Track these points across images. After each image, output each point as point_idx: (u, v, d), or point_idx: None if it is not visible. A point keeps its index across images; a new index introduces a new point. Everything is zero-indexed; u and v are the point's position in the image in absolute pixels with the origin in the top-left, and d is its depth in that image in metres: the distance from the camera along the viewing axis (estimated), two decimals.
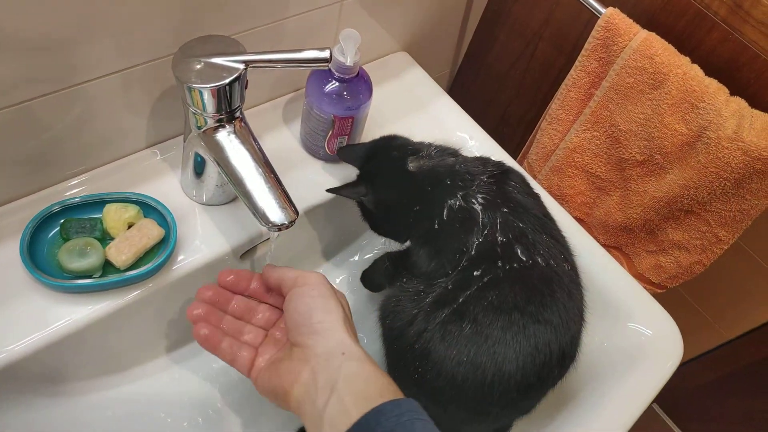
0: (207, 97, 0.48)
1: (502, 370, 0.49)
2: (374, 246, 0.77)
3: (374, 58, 0.80)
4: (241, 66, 0.48)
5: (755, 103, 0.64)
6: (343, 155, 0.65)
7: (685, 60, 0.64)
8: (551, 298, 0.51)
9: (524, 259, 0.52)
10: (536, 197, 0.58)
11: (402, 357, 0.54)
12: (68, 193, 0.58)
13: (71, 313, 0.52)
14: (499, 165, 0.59)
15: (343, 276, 0.74)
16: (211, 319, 0.50)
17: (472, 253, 0.52)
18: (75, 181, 0.59)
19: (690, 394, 1.66)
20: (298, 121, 0.69)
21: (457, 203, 0.55)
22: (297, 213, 0.51)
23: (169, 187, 0.61)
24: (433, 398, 0.55)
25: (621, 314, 0.66)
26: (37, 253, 0.53)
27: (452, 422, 0.57)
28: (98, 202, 0.56)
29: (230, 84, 0.48)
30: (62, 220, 0.55)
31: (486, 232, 0.53)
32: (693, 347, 1.52)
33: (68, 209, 0.55)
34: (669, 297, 1.14)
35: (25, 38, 0.44)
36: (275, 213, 0.50)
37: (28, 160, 0.54)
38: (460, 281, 0.52)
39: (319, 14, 0.64)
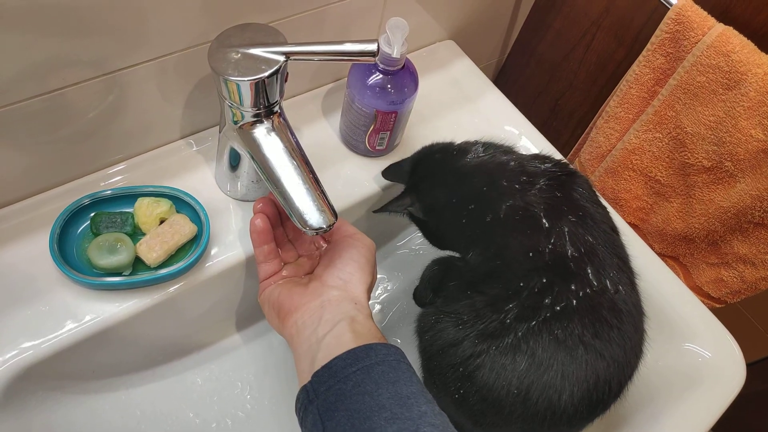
0: (244, 90, 0.45)
1: (555, 406, 0.45)
2: (412, 247, 0.74)
3: (419, 47, 0.75)
4: (282, 58, 0.45)
5: None
6: (388, 175, 0.61)
7: (766, 59, 0.58)
8: (618, 332, 0.46)
9: (595, 283, 0.47)
10: (604, 208, 0.53)
11: (442, 374, 0.51)
12: (100, 185, 0.56)
13: (100, 311, 0.50)
14: (563, 166, 0.54)
15: (377, 277, 0.71)
16: (268, 218, 0.51)
17: (541, 270, 0.47)
18: (106, 172, 0.57)
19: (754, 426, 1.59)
20: (338, 113, 0.65)
21: (519, 205, 0.50)
22: (336, 216, 0.48)
23: (202, 180, 0.59)
24: (472, 418, 0.51)
25: (677, 332, 0.61)
26: (67, 248, 0.51)
27: None
28: (130, 196, 0.54)
29: (269, 77, 0.45)
30: (92, 214, 0.53)
31: (553, 242, 0.48)
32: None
33: (99, 202, 0.53)
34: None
35: (60, 21, 0.42)
36: (313, 216, 0.47)
37: (60, 150, 0.52)
38: (523, 307, 0.47)
39: (363, 0, 0.60)
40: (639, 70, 0.66)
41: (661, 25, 0.63)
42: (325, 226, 0.47)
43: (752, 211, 0.61)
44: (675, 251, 0.72)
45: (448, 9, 0.72)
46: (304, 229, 0.47)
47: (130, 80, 0.50)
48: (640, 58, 0.66)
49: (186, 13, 0.48)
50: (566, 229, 0.48)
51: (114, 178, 0.57)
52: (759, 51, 0.59)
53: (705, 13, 0.61)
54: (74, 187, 0.55)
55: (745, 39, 0.59)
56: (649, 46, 0.64)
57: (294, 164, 0.48)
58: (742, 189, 0.61)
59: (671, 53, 0.63)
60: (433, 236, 0.59)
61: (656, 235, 0.73)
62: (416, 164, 0.58)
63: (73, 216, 0.52)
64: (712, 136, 0.61)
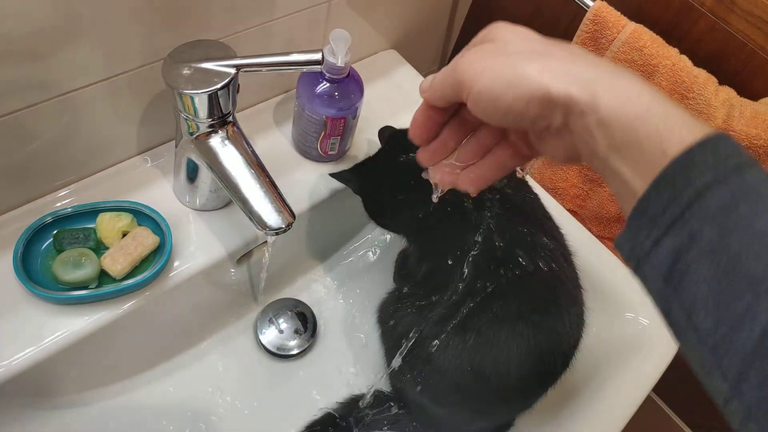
0: (199, 102, 0.48)
1: (506, 379, 0.49)
2: (370, 246, 0.77)
3: (363, 57, 0.80)
4: (233, 70, 0.48)
5: (743, 91, 0.64)
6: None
7: (674, 51, 0.65)
8: (555, 306, 0.51)
9: (525, 263, 0.51)
10: (535, 195, 0.58)
11: (403, 359, 0.54)
12: (60, 204, 0.57)
13: (68, 325, 0.52)
14: None
15: (339, 277, 0.74)
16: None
17: (469, 259, 0.51)
18: (66, 191, 0.58)
19: (694, 386, 1.67)
20: (290, 122, 0.68)
21: (448, 199, 0.54)
22: (294, 216, 0.51)
23: (162, 193, 0.61)
24: (434, 399, 0.55)
25: (618, 305, 0.67)
26: (31, 266, 0.52)
27: (453, 420, 0.57)
28: (91, 212, 0.56)
29: (222, 89, 0.47)
30: (55, 231, 0.54)
31: (482, 235, 0.52)
32: None
33: (61, 220, 0.55)
34: None
35: (10, 47, 0.44)
36: (272, 217, 0.50)
37: (17, 171, 0.53)
38: (461, 293, 0.51)
39: (307, 14, 0.64)
40: None
41: (581, 26, 0.69)
42: (284, 225, 0.50)
43: None
44: (611, 233, 0.78)
45: (388, 20, 0.77)
46: (263, 231, 0.50)
47: (83, 101, 0.52)
48: None
49: (138, 33, 0.50)
50: (493, 221, 0.52)
51: (73, 197, 0.58)
52: (667, 45, 0.65)
53: (618, 13, 0.67)
54: (34, 207, 0.56)
55: (654, 35, 0.66)
56: (573, 42, 0.70)
57: (250, 170, 0.51)
58: None
59: (592, 50, 0.69)
60: (374, 215, 0.64)
61: (593, 219, 0.79)
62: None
63: (35, 235, 0.53)
64: None
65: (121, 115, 0.57)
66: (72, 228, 0.55)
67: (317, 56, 0.47)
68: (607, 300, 0.66)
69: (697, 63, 0.65)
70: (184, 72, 0.47)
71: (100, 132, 0.56)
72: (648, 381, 0.62)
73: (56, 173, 0.57)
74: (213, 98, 0.48)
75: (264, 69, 0.48)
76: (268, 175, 0.52)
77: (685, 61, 0.64)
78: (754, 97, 0.64)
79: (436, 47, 0.94)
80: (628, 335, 0.65)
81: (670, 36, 0.67)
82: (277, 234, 0.50)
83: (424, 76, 0.82)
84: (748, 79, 0.66)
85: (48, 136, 0.52)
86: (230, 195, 0.51)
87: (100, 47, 0.49)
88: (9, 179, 0.53)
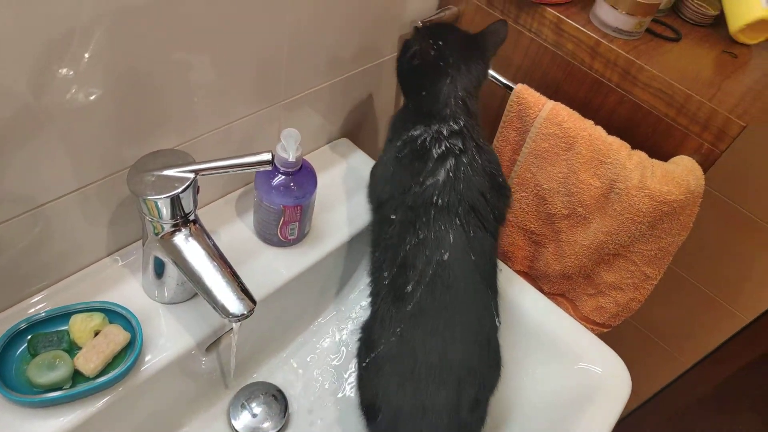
0: (162, 206, 0.53)
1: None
2: (332, 326, 0.81)
3: (319, 146, 0.86)
4: (191, 175, 0.53)
5: (653, 153, 0.72)
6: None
7: (589, 123, 0.73)
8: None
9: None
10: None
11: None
12: (33, 309, 0.60)
13: (44, 427, 0.53)
14: None
15: (306, 356, 0.77)
16: None
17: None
18: (40, 296, 0.61)
19: (663, 428, 1.70)
20: (251, 212, 0.73)
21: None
22: (254, 302, 0.55)
23: (131, 290, 0.64)
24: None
25: (570, 356, 0.71)
26: (6, 372, 0.55)
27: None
28: (64, 315, 0.59)
29: (183, 192, 0.53)
30: (29, 336, 0.57)
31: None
32: (658, 379, 1.57)
33: (34, 325, 0.58)
34: (630, 335, 1.20)
35: None
36: (234, 305, 0.54)
37: (9, 278, 0.57)
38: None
39: (261, 116, 0.71)
40: (498, 143, 0.80)
41: (507, 107, 0.77)
42: (246, 312, 0.54)
43: (607, 245, 0.74)
44: (560, 289, 0.84)
45: (338, 113, 0.85)
46: (227, 318, 0.54)
47: (55, 211, 0.56)
48: (498, 134, 0.79)
49: (106, 145, 0.56)
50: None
51: (46, 302, 0.61)
52: (583, 118, 0.74)
53: (538, 94, 0.76)
54: (9, 314, 0.59)
55: (571, 110, 0.74)
56: (501, 124, 0.78)
57: (212, 263, 0.55)
58: (595, 228, 0.74)
59: (519, 127, 0.77)
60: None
61: (542, 277, 0.84)
62: None
63: (10, 341, 0.56)
64: (563, 189, 0.75)
65: (90, 221, 0.61)
66: (46, 332, 0.57)
67: (267, 157, 0.53)
68: (559, 353, 0.71)
69: (611, 132, 0.73)
70: (147, 179, 0.52)
71: (70, 238, 0.61)
72: (607, 424, 0.65)
73: (28, 281, 0.60)
74: (175, 201, 0.53)
75: (219, 172, 0.54)
76: (229, 266, 0.56)
77: (600, 131, 0.72)
78: (664, 158, 0.72)
79: (385, 132, 1.02)
80: (583, 385, 0.69)
81: (585, 109, 0.76)
82: (239, 321, 0.54)
83: (375, 159, 0.89)
84: (656, 143, 0.74)
85: (20, 246, 0.56)
86: (195, 287, 0.55)
87: (68, 161, 0.54)
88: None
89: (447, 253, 0.61)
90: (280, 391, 0.72)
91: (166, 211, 0.53)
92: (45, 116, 0.49)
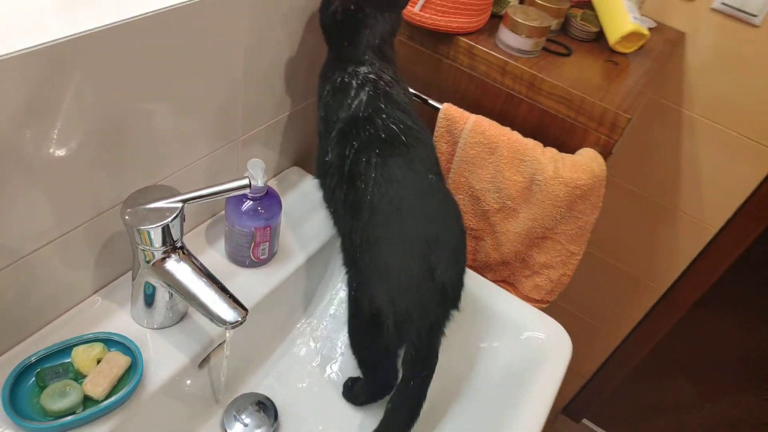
0: (154, 235, 0.60)
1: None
2: (306, 335, 0.88)
3: (273, 175, 0.95)
4: (179, 204, 0.61)
5: (562, 148, 0.86)
6: None
7: (507, 129, 0.86)
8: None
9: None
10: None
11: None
12: (34, 347, 0.64)
13: None
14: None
15: (288, 365, 0.84)
16: None
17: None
18: (36, 336, 0.66)
19: (610, 401, 1.86)
20: (221, 240, 0.81)
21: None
22: (246, 310, 0.62)
23: (121, 320, 0.70)
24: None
25: (516, 328, 0.82)
26: (18, 405, 0.59)
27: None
28: (65, 349, 0.64)
29: (173, 220, 0.60)
30: (37, 371, 0.61)
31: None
32: (598, 356, 1.73)
33: (39, 360, 0.62)
34: (567, 321, 1.35)
35: None
36: (229, 314, 0.61)
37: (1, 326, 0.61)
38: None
39: (222, 152, 0.79)
40: None
41: (437, 123, 0.89)
42: (240, 319, 0.61)
43: (535, 229, 0.87)
44: (502, 275, 0.96)
45: (288, 145, 0.94)
46: (223, 326, 0.61)
47: (39, 259, 0.61)
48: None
49: (83, 191, 0.62)
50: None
51: (45, 341, 0.65)
52: (501, 126, 0.87)
53: (461, 110, 0.88)
54: (10, 356, 0.63)
55: (491, 120, 0.87)
56: (434, 137, 0.90)
57: (203, 280, 0.63)
58: (524, 216, 0.87)
59: (449, 140, 0.89)
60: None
61: (485, 268, 0.96)
62: None
63: (17, 378, 0.60)
64: (493, 187, 0.87)
65: (74, 264, 0.66)
66: (51, 365, 0.62)
67: (245, 182, 0.61)
68: (507, 328, 0.82)
69: (526, 134, 0.87)
70: (140, 212, 0.59)
71: (57, 282, 0.65)
72: (555, 381, 0.76)
73: (23, 324, 0.65)
74: (166, 229, 0.60)
75: (204, 199, 0.62)
76: (218, 282, 0.63)
77: (517, 135, 0.85)
78: (571, 151, 0.86)
79: None
80: (530, 351, 0.80)
81: (502, 119, 0.89)
82: (234, 327, 0.61)
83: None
84: (563, 140, 0.88)
85: (9, 295, 0.61)
86: (191, 304, 0.62)
87: (51, 210, 0.59)
88: None
89: (385, 153, 0.69)
90: (268, 398, 0.78)
91: (157, 239, 0.60)
92: (25, 168, 0.55)
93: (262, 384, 0.81)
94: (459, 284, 0.68)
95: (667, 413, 1.94)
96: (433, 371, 0.67)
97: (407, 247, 0.65)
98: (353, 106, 0.71)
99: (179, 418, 0.71)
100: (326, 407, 0.80)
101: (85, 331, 0.67)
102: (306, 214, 0.90)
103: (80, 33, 0.51)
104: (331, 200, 0.76)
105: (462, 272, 0.69)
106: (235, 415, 0.76)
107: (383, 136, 0.69)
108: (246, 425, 0.76)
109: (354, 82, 0.72)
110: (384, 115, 0.70)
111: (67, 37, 0.50)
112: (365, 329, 0.73)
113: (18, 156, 0.53)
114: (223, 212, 0.85)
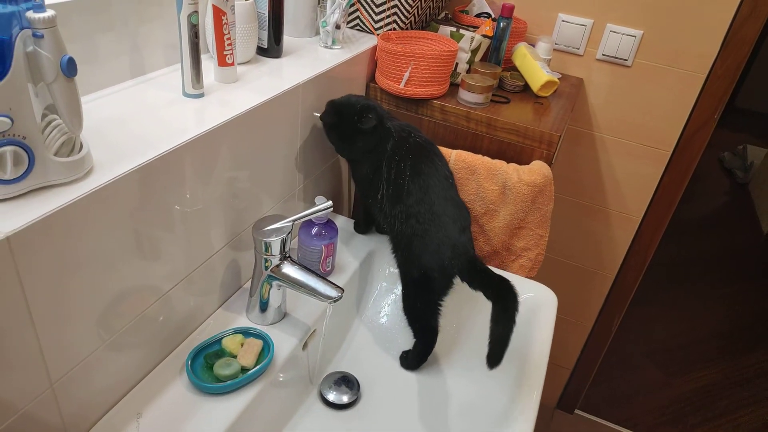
0: (276, 246, 0.89)
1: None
2: (367, 322, 1.16)
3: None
4: (290, 224, 0.90)
5: (520, 163, 1.22)
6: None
7: (479, 156, 1.22)
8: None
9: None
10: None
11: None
12: (188, 349, 0.90)
13: (227, 407, 0.83)
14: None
15: (362, 343, 1.11)
16: None
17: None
18: (190, 338, 0.92)
19: (595, 389, 2.15)
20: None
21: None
22: (342, 289, 0.91)
23: (242, 322, 0.96)
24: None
25: None
26: (196, 377, 0.84)
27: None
28: (216, 341, 0.90)
29: (287, 235, 0.90)
30: (204, 355, 0.87)
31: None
32: (574, 348, 2.05)
33: (201, 350, 0.88)
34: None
35: (115, 288, 0.82)
36: (332, 292, 0.90)
37: (155, 341, 0.87)
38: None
39: (289, 197, 1.10)
40: None
41: None
42: (339, 295, 0.90)
43: (512, 222, 1.21)
44: (494, 264, 1.28)
45: (325, 191, 1.25)
46: (328, 301, 0.89)
47: (177, 291, 0.89)
48: None
49: (205, 237, 0.91)
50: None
51: (199, 338, 0.91)
52: (476, 154, 1.22)
53: (446, 148, 1.24)
54: (177, 352, 0.89)
55: (468, 152, 1.22)
56: None
57: (309, 274, 0.92)
58: (503, 214, 1.21)
59: None
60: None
61: (482, 258, 1.28)
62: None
63: (192, 362, 0.86)
64: (478, 197, 1.21)
65: (203, 290, 0.94)
66: (211, 351, 0.88)
67: (329, 203, 0.92)
68: None
69: (494, 157, 1.22)
70: (265, 231, 0.89)
71: (192, 305, 0.93)
72: (548, 328, 1.07)
73: (179, 332, 0.91)
74: (283, 241, 0.89)
75: (305, 218, 0.92)
76: (319, 273, 0.92)
77: (487, 159, 1.21)
78: (526, 163, 1.22)
79: (349, 200, 1.44)
80: (524, 311, 1.11)
81: (474, 150, 1.25)
82: (336, 301, 0.90)
83: (352, 217, 1.30)
84: (519, 158, 1.25)
85: (161, 318, 0.87)
86: (303, 292, 0.90)
87: (181, 254, 0.89)
88: (154, 342, 0.86)
89: (415, 158, 1.03)
90: (351, 375, 1.05)
91: (278, 248, 0.89)
92: (175, 224, 0.85)
93: (344, 361, 1.08)
94: (472, 246, 1.02)
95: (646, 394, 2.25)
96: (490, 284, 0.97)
97: (437, 220, 0.99)
98: (381, 151, 1.06)
99: (292, 394, 0.97)
100: (397, 375, 1.07)
101: (227, 326, 0.93)
102: (345, 239, 1.21)
103: (215, 125, 0.83)
104: (376, 199, 1.07)
105: (472, 240, 1.02)
106: (331, 385, 1.02)
107: (413, 147, 1.04)
108: (338, 392, 1.01)
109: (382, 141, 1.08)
110: (413, 135, 1.06)
111: (207, 129, 0.82)
112: (416, 293, 1.02)
113: (170, 216, 0.83)
114: None
